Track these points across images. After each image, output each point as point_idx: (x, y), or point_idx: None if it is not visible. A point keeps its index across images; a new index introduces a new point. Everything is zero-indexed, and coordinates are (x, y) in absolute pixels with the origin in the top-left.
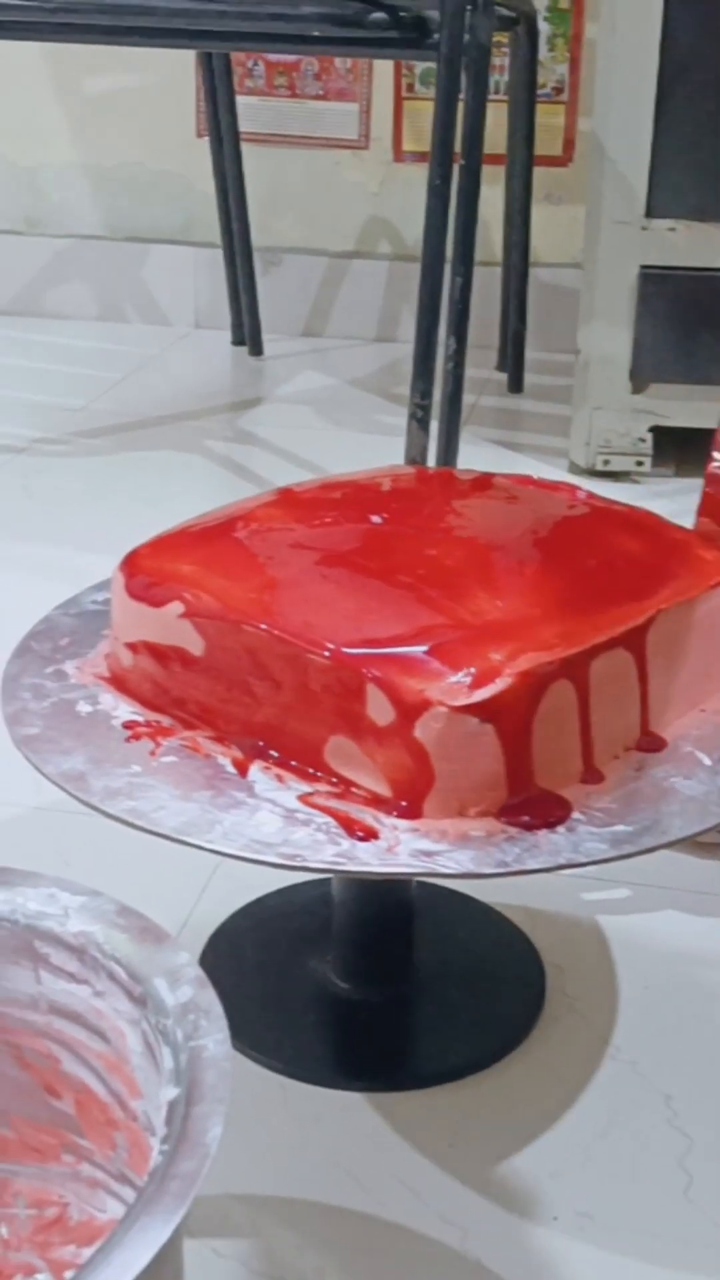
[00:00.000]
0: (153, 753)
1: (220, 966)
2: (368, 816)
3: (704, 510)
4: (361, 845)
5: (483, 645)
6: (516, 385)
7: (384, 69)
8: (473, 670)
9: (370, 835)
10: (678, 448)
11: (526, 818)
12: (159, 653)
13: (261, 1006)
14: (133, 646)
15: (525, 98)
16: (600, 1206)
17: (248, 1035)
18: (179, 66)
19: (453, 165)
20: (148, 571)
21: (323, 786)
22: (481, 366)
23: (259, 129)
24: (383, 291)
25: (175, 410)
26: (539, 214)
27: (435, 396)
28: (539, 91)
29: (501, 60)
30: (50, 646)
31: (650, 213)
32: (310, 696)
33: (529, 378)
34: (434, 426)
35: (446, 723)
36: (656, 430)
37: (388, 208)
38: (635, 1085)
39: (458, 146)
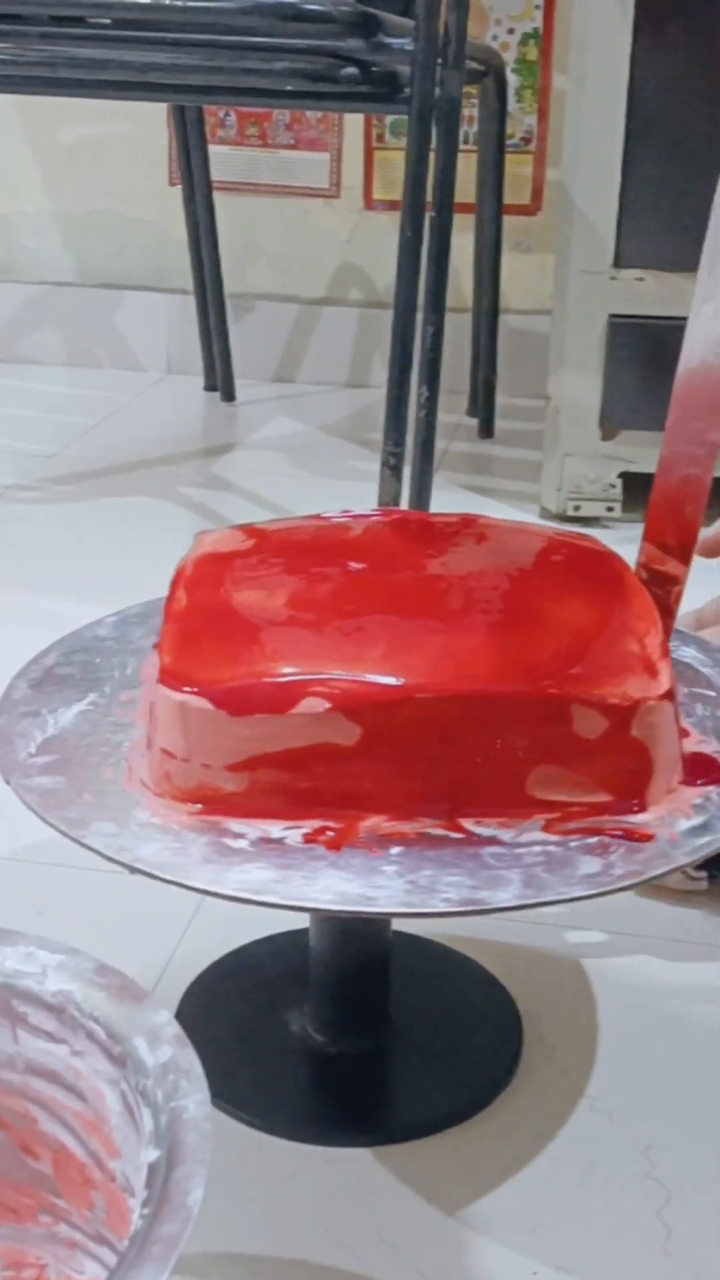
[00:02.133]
0: (374, 848)
1: (197, 1019)
2: (611, 824)
3: (649, 536)
4: (649, 846)
5: (604, 649)
6: (487, 431)
7: (355, 119)
8: (634, 667)
9: (646, 838)
10: (647, 493)
11: (701, 780)
12: (293, 759)
13: (238, 1060)
14: (247, 765)
15: (494, 148)
16: (579, 1260)
17: (224, 1090)
18: (152, 116)
19: (424, 216)
20: (225, 679)
21: (538, 819)
22: (453, 412)
23: (231, 177)
24: (354, 338)
25: (148, 456)
26: (509, 262)
27: (408, 443)
28: (508, 141)
29: (470, 111)
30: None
31: (619, 262)
32: (503, 739)
33: (500, 423)
34: (406, 473)
35: (657, 715)
36: (626, 476)
37: (359, 255)
38: (613, 1136)
39: (429, 197)
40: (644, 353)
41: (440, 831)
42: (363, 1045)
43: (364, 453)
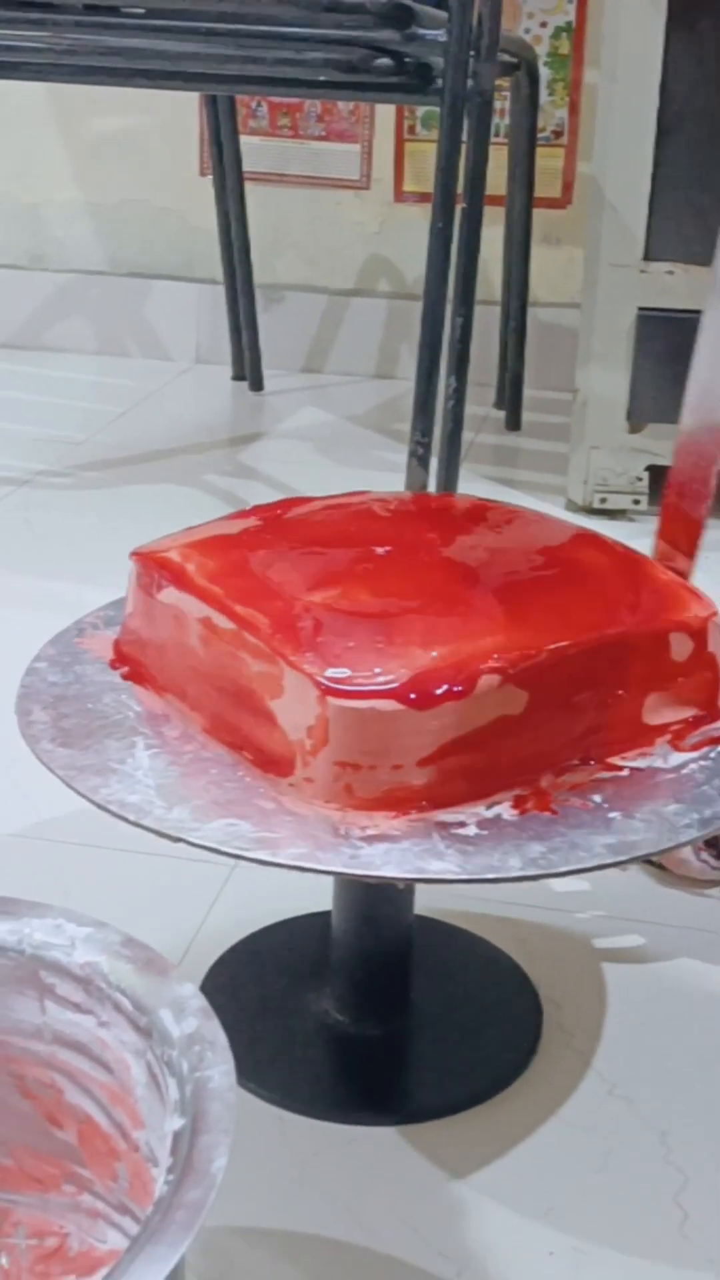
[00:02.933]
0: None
1: (220, 999)
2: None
3: (662, 534)
4: None
5: (658, 590)
6: (515, 423)
7: (386, 111)
8: (686, 597)
9: None
10: None
11: None
12: (474, 740)
13: (259, 1039)
14: (437, 755)
15: (525, 141)
16: (595, 1242)
17: (245, 1068)
18: (183, 106)
19: (455, 208)
20: (399, 677)
21: (661, 743)
22: (480, 404)
23: (261, 168)
24: (382, 329)
25: (176, 444)
26: (538, 255)
27: (435, 434)
28: (539, 135)
29: (502, 104)
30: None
31: (648, 255)
32: (624, 677)
33: (527, 416)
34: (433, 464)
35: (717, 630)
36: (652, 469)
37: (388, 247)
38: (631, 1121)
39: (459, 189)
40: (672, 346)
41: (606, 774)
42: (384, 1027)
43: (391, 443)
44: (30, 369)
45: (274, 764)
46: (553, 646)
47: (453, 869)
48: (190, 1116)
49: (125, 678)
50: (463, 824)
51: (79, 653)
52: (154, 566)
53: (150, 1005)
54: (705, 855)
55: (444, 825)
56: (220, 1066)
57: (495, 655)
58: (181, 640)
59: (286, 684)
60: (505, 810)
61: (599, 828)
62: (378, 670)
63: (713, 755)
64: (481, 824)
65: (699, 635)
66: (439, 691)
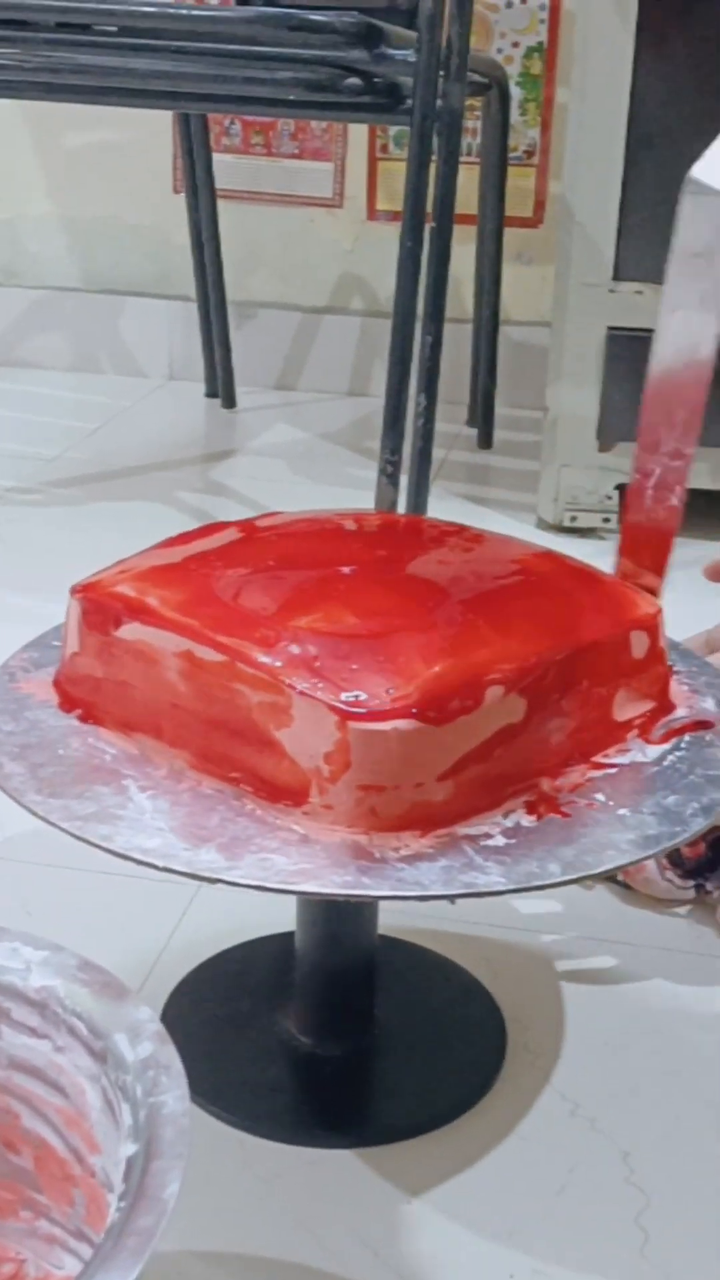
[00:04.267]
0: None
1: (183, 1020)
2: (676, 721)
3: (625, 550)
4: None
5: (610, 593)
6: (486, 441)
7: (359, 130)
8: (634, 595)
9: (708, 724)
10: None
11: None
12: (483, 751)
13: (221, 1060)
14: (454, 770)
15: (497, 160)
16: (556, 1264)
17: (207, 1090)
18: (156, 123)
19: (425, 227)
20: (412, 694)
21: (631, 737)
22: (452, 421)
23: (235, 186)
24: (355, 347)
25: (148, 461)
26: (509, 273)
27: (405, 452)
28: (511, 154)
29: (474, 123)
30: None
31: (618, 275)
32: (602, 674)
33: (498, 433)
34: (404, 481)
35: (662, 625)
36: (622, 488)
37: (361, 265)
38: (593, 1142)
39: (430, 208)
40: (642, 365)
41: (596, 772)
42: (347, 1047)
43: (363, 460)
44: (3, 384)
45: (282, 794)
46: (543, 654)
47: (500, 880)
48: (144, 1142)
49: (82, 720)
50: (488, 835)
51: (22, 698)
52: (109, 601)
53: (106, 1029)
54: (670, 874)
55: (470, 838)
56: (174, 1091)
57: (496, 666)
58: (153, 676)
59: (296, 712)
60: (522, 818)
61: (615, 825)
62: (390, 690)
63: (683, 746)
64: (505, 833)
65: (653, 631)
66: (453, 706)
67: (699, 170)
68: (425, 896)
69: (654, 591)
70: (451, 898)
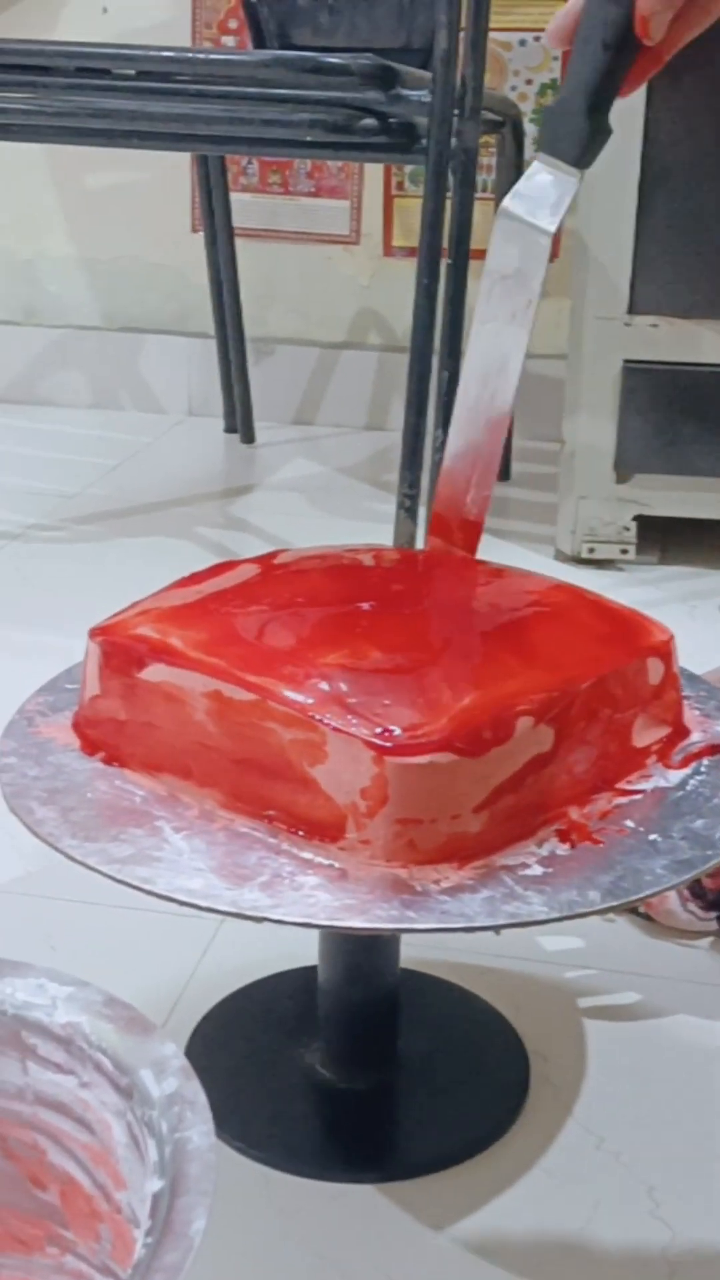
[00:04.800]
0: (622, 831)
1: (207, 1054)
2: (694, 745)
3: (433, 530)
4: None
5: (618, 621)
6: (504, 473)
7: (374, 168)
8: (646, 623)
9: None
10: (661, 536)
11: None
12: (515, 781)
13: (246, 1095)
14: (489, 801)
15: None
16: None
17: (232, 1125)
18: (175, 164)
19: (441, 264)
20: (445, 728)
21: (650, 763)
22: None
23: (252, 224)
24: (373, 381)
25: (168, 497)
26: None
27: (423, 485)
28: None
29: (489, 159)
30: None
31: (633, 309)
32: (619, 704)
33: (516, 466)
34: (422, 514)
35: (675, 650)
36: (640, 519)
37: (378, 300)
38: (619, 1176)
39: (445, 245)
40: (657, 397)
41: (623, 799)
42: (370, 1081)
43: (382, 494)
44: (25, 423)
45: (318, 829)
46: (569, 683)
47: (543, 910)
48: (169, 1178)
49: (106, 762)
50: (525, 865)
51: (43, 743)
52: (132, 644)
53: (131, 1065)
54: (692, 906)
55: (508, 868)
56: (200, 1127)
57: (524, 698)
58: (180, 717)
59: (331, 749)
60: (556, 846)
61: (648, 851)
62: (424, 724)
63: (703, 770)
64: (541, 862)
65: (667, 657)
66: (486, 738)
67: (509, 202)
68: (472, 928)
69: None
70: (497, 928)
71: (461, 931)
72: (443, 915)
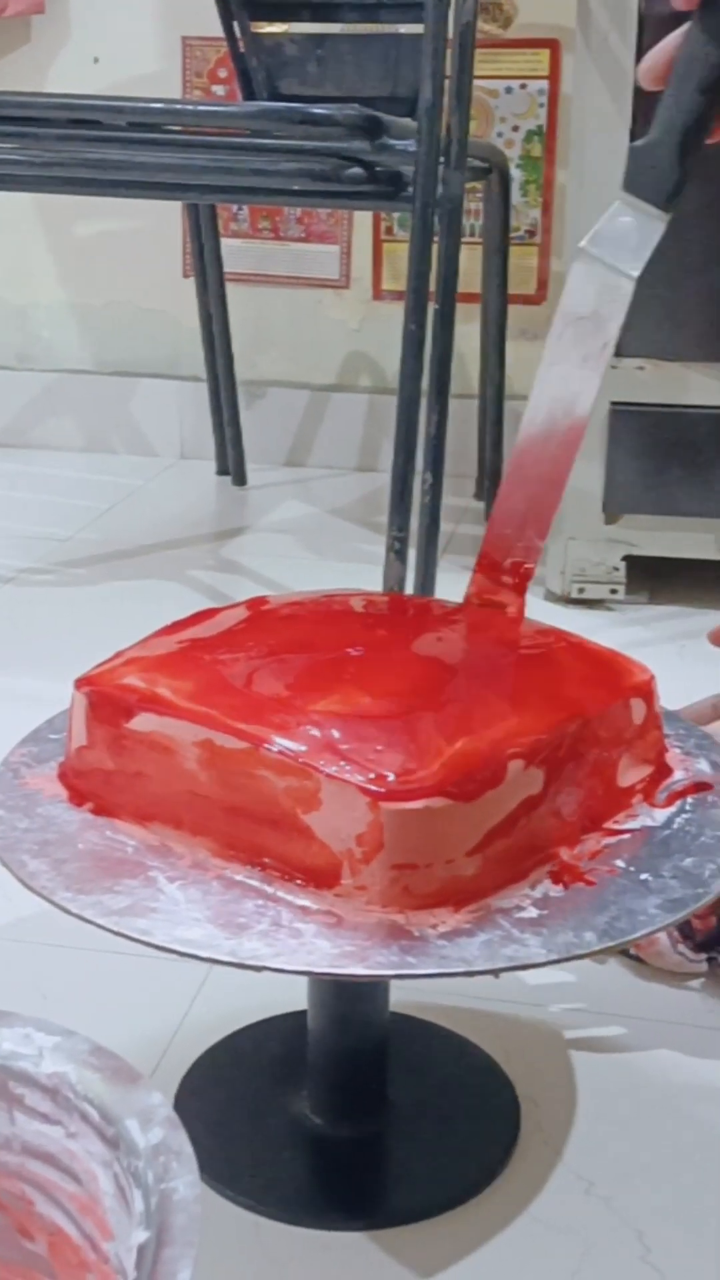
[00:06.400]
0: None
1: (196, 1101)
2: (677, 785)
3: (480, 568)
4: None
5: (598, 661)
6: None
7: (364, 213)
8: (625, 662)
9: (708, 786)
10: (650, 576)
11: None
12: (507, 824)
13: (235, 1142)
14: (482, 845)
15: (499, 240)
16: None
17: (221, 1172)
18: (166, 210)
19: (427, 310)
20: (437, 774)
21: (636, 802)
22: (460, 495)
23: (244, 269)
24: (363, 423)
25: (161, 539)
26: (514, 350)
27: (413, 527)
28: (513, 234)
29: (476, 205)
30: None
31: (619, 352)
32: (606, 742)
33: None
34: (412, 555)
35: (656, 690)
36: (629, 559)
37: (368, 343)
38: (609, 1221)
39: (432, 290)
40: (645, 439)
41: (610, 839)
42: (360, 1128)
43: (373, 536)
44: (17, 466)
45: (313, 876)
46: (557, 726)
47: (540, 952)
48: (155, 1229)
49: (95, 812)
50: (520, 907)
51: (30, 794)
52: (119, 694)
53: (117, 1115)
54: (682, 947)
55: (504, 911)
56: (185, 1177)
57: (514, 740)
58: (170, 767)
59: (325, 796)
60: (550, 888)
61: (640, 891)
62: (417, 769)
63: (687, 808)
64: (536, 904)
65: (648, 697)
66: (479, 781)
67: (588, 243)
68: (471, 972)
69: (517, 609)
70: (496, 971)
71: (462, 976)
72: (442, 960)
